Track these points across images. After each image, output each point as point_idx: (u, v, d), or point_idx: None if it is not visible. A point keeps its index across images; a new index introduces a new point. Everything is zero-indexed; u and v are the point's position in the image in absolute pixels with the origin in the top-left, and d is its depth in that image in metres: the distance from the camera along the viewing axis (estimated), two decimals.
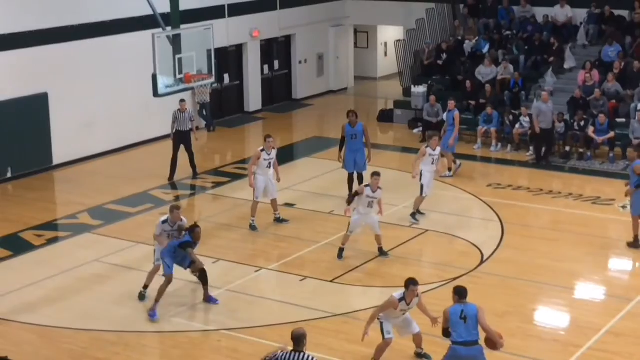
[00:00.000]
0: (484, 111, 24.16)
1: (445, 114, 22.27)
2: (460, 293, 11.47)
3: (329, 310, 14.36)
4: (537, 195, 20.07)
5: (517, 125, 23.61)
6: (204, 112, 26.36)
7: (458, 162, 21.72)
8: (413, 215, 18.32)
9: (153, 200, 20.20)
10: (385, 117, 27.40)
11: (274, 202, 18.16)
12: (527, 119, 23.37)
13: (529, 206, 19.41)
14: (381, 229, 16.39)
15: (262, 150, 17.72)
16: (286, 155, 23.60)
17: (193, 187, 21.25)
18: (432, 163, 18.26)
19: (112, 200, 20.08)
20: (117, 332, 13.86)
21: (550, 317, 14.52)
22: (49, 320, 14.30)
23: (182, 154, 21.39)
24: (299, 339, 10.20)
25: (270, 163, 17.81)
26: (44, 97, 22.14)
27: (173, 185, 21.19)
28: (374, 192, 15.86)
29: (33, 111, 21.90)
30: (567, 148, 22.85)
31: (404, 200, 19.18)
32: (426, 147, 18.30)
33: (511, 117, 23.91)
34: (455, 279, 15.51)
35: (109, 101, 23.43)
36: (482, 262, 16.39)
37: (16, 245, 17.61)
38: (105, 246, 17.57)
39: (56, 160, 22.59)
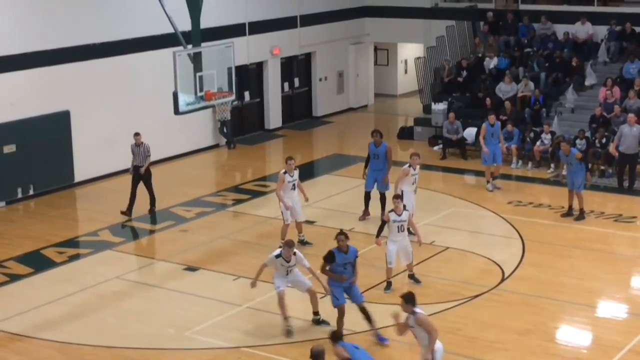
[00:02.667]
0: (504, 128, 24.09)
1: (487, 126, 21.64)
2: None
3: (349, 327, 14.27)
4: (558, 212, 19.95)
5: (538, 143, 23.55)
6: (225, 130, 26.47)
7: (493, 184, 21.77)
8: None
9: (174, 217, 20.26)
10: (406, 134, 27.39)
11: (299, 224, 18.10)
12: (549, 136, 23.32)
13: (550, 224, 19.32)
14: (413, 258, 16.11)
15: (285, 173, 17.69)
16: (306, 172, 23.59)
17: (214, 204, 21.29)
18: (413, 183, 18.06)
19: (133, 217, 20.15)
20: (137, 349, 13.88)
21: (572, 335, 14.42)
22: (69, 337, 14.35)
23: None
24: (317, 356, 10.18)
25: (294, 185, 17.78)
26: (66, 115, 22.31)
27: (194, 203, 21.21)
28: (399, 215, 15.55)
29: (55, 129, 22.06)
30: (589, 165, 22.71)
31: (423, 218, 19.14)
32: (409, 166, 17.98)
33: (532, 134, 23.86)
34: (475, 296, 15.46)
35: (130, 119, 23.54)
36: (503, 279, 16.32)
37: (38, 262, 17.71)
38: (126, 263, 17.64)
39: (78, 178, 22.72)
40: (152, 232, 19.52)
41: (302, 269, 14.38)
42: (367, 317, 13.88)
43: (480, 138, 21.84)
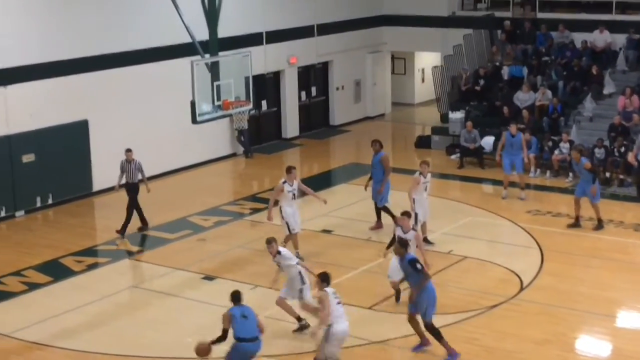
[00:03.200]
0: None
1: (507, 136, 21.58)
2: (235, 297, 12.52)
3: (366, 337, 14.27)
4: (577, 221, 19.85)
5: (556, 152, 23.45)
6: (242, 138, 26.53)
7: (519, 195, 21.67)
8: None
9: (191, 226, 20.30)
10: (423, 143, 27.35)
11: (290, 236, 17.85)
12: (567, 145, 23.21)
13: (568, 233, 19.21)
14: None
15: (284, 183, 17.55)
16: (323, 181, 23.63)
17: (231, 213, 21.32)
18: (425, 190, 18.02)
19: (151, 226, 20.19)
20: (155, 358, 13.89)
21: (592, 346, 14.32)
22: (88, 346, 14.38)
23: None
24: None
25: (294, 194, 17.67)
26: (84, 124, 22.41)
27: (212, 212, 21.24)
28: (405, 233, 15.19)
29: (73, 138, 22.18)
30: (607, 174, 22.61)
31: (441, 227, 19.10)
32: (419, 174, 18.03)
33: (550, 143, 23.76)
34: (494, 306, 15.38)
35: (148, 128, 23.64)
36: (521, 289, 16.24)
37: (57, 270, 17.77)
38: (143, 272, 17.67)
39: (96, 187, 22.81)
40: (169, 241, 19.54)
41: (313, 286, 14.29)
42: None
43: (499, 147, 21.79)
